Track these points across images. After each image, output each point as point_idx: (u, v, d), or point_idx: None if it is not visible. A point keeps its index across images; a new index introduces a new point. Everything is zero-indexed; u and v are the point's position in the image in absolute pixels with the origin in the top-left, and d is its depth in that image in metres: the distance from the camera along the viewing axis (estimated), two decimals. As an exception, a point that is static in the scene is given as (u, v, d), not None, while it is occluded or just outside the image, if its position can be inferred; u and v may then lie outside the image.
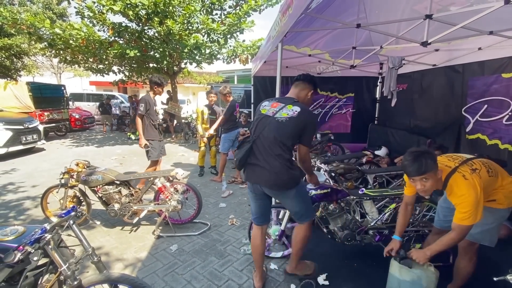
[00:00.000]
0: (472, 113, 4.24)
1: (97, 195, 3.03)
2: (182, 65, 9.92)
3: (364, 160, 3.76)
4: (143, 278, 2.24)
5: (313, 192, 2.34)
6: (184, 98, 18.47)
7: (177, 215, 3.19)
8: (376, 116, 6.62)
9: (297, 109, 1.88)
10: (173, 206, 2.91)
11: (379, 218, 2.45)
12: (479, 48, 3.91)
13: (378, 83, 6.42)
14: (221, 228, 3.15)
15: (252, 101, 6.45)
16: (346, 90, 6.47)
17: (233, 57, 8.94)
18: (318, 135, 5.42)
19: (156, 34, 8.32)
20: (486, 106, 4.00)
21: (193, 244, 2.80)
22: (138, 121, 3.80)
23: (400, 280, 1.92)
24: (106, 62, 9.35)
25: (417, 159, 1.57)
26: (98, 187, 2.99)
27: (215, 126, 4.73)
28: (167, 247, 2.74)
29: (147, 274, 2.31)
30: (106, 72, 9.91)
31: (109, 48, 7.86)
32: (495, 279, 1.36)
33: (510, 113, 3.63)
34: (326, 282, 2.18)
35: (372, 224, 2.45)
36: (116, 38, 8.35)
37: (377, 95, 6.53)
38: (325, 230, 2.49)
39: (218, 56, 8.82)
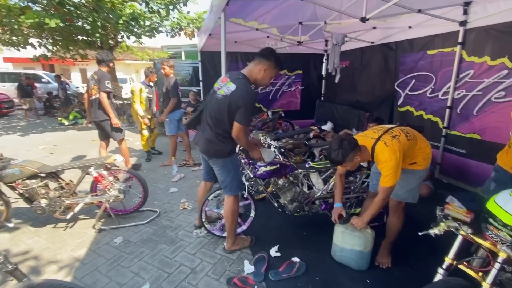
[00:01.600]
0: (402, 87, 4.69)
1: (16, 192, 2.58)
2: (119, 39, 8.79)
3: (311, 135, 3.92)
4: (82, 278, 2.03)
5: (263, 168, 2.35)
6: (126, 76, 16.69)
7: (121, 205, 2.93)
8: (323, 92, 6.92)
9: (232, 87, 1.89)
10: (114, 196, 2.64)
11: (324, 188, 2.60)
12: (409, 27, 4.25)
13: (324, 60, 6.64)
14: (172, 213, 3.01)
15: (200, 79, 6.12)
16: (295, 67, 6.55)
17: (178, 30, 8.25)
18: (270, 113, 5.46)
19: (83, 1, 7.13)
20: (414, 81, 4.45)
21: (141, 233, 2.62)
22: (105, 98, 3.56)
23: (342, 244, 2.09)
24: (20, 34, 7.75)
25: (335, 152, 1.79)
26: (17, 182, 2.54)
27: (167, 111, 4.23)
28: (110, 240, 2.51)
29: (87, 273, 2.09)
30: (22, 45, 8.24)
31: (22, 16, 6.49)
32: (420, 233, 1.54)
33: (432, 87, 4.10)
34: (278, 254, 2.27)
35: (318, 194, 2.59)
36: (30, 4, 6.91)
37: (323, 72, 6.78)
38: (276, 204, 2.55)
39: (160, 28, 8.02)
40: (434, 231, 1.43)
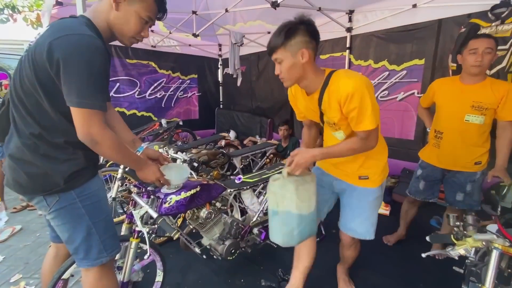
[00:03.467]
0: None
1: None
2: None
3: (223, 143, 3.21)
4: None
5: (174, 197, 1.41)
6: None
7: None
8: (221, 100, 6.42)
9: (41, 33, 0.96)
10: None
11: (261, 209, 1.91)
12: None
13: (219, 66, 6.18)
14: (-17, 316, 1.52)
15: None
16: (188, 70, 5.76)
17: (11, 13, 5.74)
18: (164, 122, 4.36)
19: None
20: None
21: None
22: None
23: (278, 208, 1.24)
24: None
25: (278, 32, 1.16)
26: None
27: None
28: None
29: None
30: None
31: None
32: (423, 255, 1.09)
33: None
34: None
35: (254, 219, 1.87)
36: None
37: (220, 78, 6.30)
38: (197, 250, 1.64)
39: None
40: (457, 251, 0.99)
